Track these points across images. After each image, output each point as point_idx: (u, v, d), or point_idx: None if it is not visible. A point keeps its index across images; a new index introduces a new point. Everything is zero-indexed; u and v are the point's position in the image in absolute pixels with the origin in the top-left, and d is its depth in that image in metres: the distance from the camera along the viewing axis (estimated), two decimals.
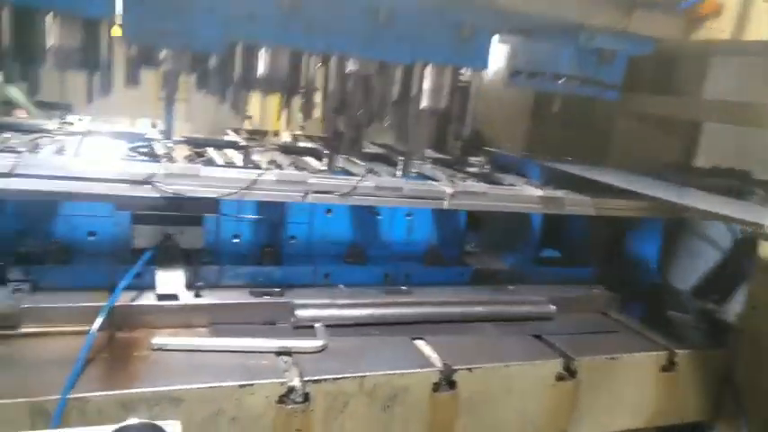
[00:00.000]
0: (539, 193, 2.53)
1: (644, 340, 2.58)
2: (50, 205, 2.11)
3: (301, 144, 2.99)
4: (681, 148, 3.82)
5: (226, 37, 2.16)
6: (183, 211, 2.12)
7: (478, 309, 2.53)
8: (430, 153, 3.18)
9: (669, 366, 2.50)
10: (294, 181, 2.12)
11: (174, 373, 1.79)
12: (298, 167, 2.39)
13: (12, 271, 1.96)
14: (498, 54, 3.01)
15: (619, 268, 3.04)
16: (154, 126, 2.89)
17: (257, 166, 2.25)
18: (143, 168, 1.97)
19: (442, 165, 2.99)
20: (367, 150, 2.96)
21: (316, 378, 1.88)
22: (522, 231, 2.98)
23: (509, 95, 4.35)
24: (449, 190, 2.35)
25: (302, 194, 2.12)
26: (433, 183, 2.45)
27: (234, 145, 2.70)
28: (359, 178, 2.25)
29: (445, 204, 2.35)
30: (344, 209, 2.50)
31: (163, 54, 2.13)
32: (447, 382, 2.07)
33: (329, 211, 2.48)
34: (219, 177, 2.03)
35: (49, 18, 1.98)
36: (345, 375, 1.92)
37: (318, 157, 2.70)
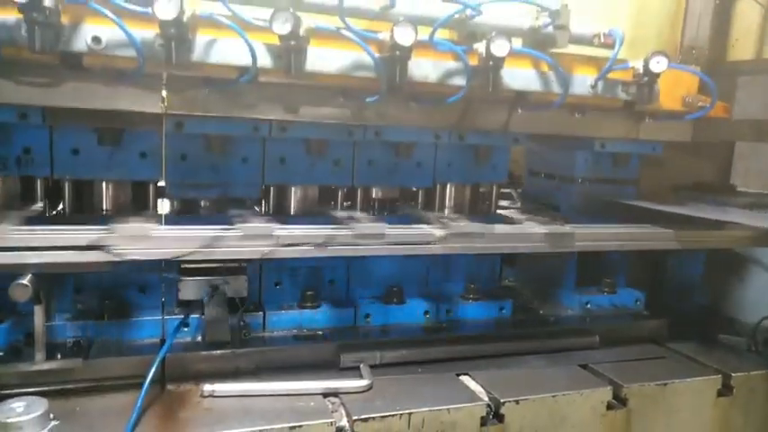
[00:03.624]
0: (543, 230, 2.35)
1: (696, 365, 2.51)
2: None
3: None
4: (715, 169, 3.79)
5: (260, 181, 2.42)
6: (227, 263, 2.22)
7: (521, 342, 2.52)
8: None
9: (726, 391, 2.42)
10: (260, 234, 1.96)
11: (227, 419, 1.83)
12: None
13: (69, 327, 2.06)
14: None
15: (664, 293, 2.99)
16: None
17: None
18: (91, 233, 1.82)
19: None
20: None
21: (363, 417, 1.90)
22: (560, 261, 2.98)
23: None
24: (438, 233, 2.17)
25: (270, 248, 1.96)
26: (422, 226, 2.25)
27: None
28: (335, 227, 2.10)
29: (435, 249, 2.17)
30: None
31: (203, 204, 2.44)
32: (495, 415, 2.06)
33: None
34: (176, 237, 1.88)
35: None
36: (393, 413, 1.93)
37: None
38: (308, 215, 2.51)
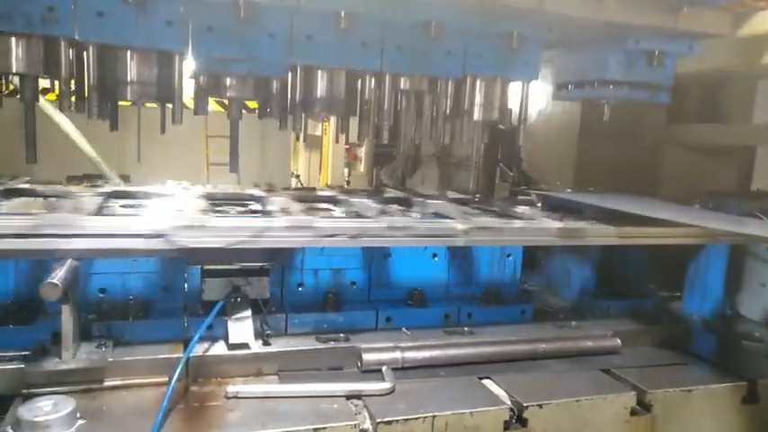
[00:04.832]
0: (557, 225, 2.46)
1: (719, 371, 2.48)
2: (127, 264, 2.25)
3: (319, 193, 3.07)
4: (736, 174, 3.76)
5: (286, 60, 2.34)
6: (249, 263, 2.22)
7: (543, 346, 2.50)
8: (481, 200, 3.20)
9: (751, 397, 2.39)
10: (302, 226, 2.10)
11: (251, 420, 1.83)
12: (309, 213, 2.43)
13: (95, 327, 2.08)
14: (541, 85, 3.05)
15: (685, 298, 2.96)
16: (181, 186, 3.05)
17: (267, 214, 2.32)
18: (152, 223, 1.98)
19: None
20: (388, 195, 3.07)
21: (387, 420, 1.89)
22: (579, 266, 2.97)
23: (554, 133, 4.42)
24: (461, 226, 2.30)
25: (311, 239, 2.09)
26: (446, 220, 2.39)
27: (251, 197, 2.82)
28: (370, 220, 2.25)
29: (459, 242, 2.28)
30: (402, 252, 2.55)
31: (228, 82, 2.32)
32: (518, 419, 2.05)
33: (388, 255, 2.54)
34: (228, 227, 2.03)
35: (127, 55, 2.21)
36: (416, 416, 1.93)
37: (335, 203, 2.81)
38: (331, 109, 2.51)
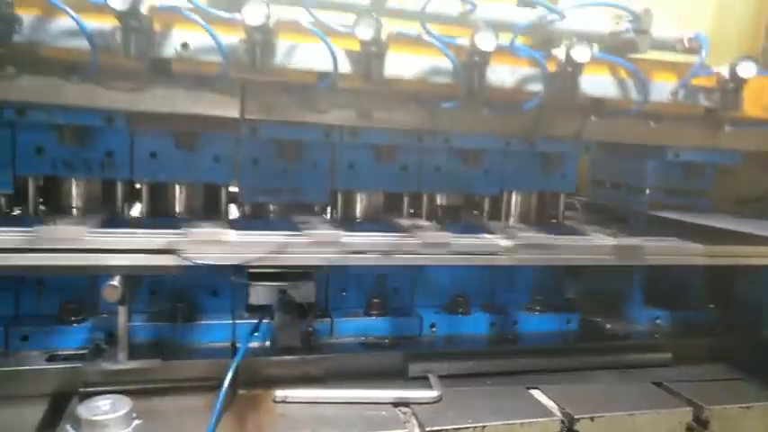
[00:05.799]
0: (612, 242, 2.32)
1: None
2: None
3: None
4: None
5: (328, 187, 2.43)
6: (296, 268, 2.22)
7: (591, 357, 2.44)
8: None
9: None
10: (328, 242, 1.99)
11: (300, 426, 1.83)
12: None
13: (145, 328, 2.10)
14: None
15: (737, 311, 2.86)
16: None
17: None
18: (164, 237, 1.86)
19: None
20: None
21: (436, 428, 1.86)
22: (628, 274, 2.89)
23: None
24: (504, 243, 2.16)
25: (338, 256, 1.99)
26: (487, 236, 2.26)
27: None
28: (402, 234, 2.13)
29: (501, 261, 2.16)
30: None
31: (271, 207, 2.47)
32: (569, 431, 2.00)
33: None
34: (246, 242, 1.92)
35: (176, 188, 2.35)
36: (465, 426, 1.89)
37: None
38: (373, 221, 2.50)
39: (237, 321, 2.20)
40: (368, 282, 2.47)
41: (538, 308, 2.63)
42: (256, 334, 2.09)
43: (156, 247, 1.83)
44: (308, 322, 2.21)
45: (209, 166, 2.28)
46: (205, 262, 1.86)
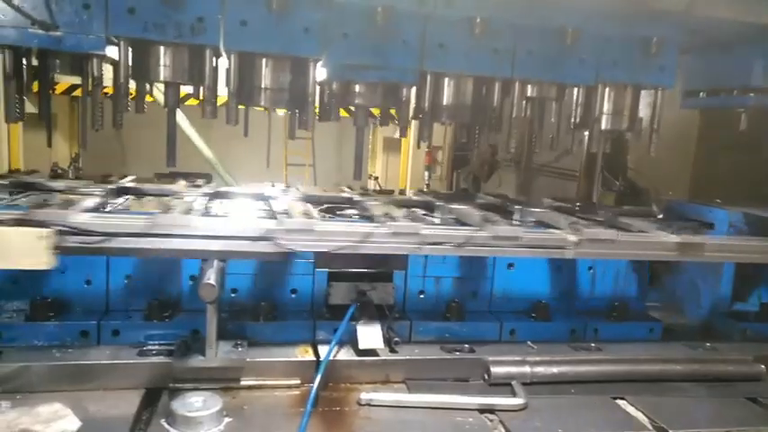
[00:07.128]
0: (675, 239, 2.24)
1: None
2: (259, 265, 2.28)
3: (415, 198, 2.99)
4: None
5: (417, 67, 2.31)
6: (374, 268, 2.20)
7: (677, 367, 2.33)
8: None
9: None
10: (407, 233, 2.03)
11: (387, 429, 1.81)
12: (412, 220, 2.33)
13: (230, 327, 2.12)
14: None
15: None
16: (273, 186, 3.10)
17: (371, 219, 2.26)
18: (262, 225, 1.96)
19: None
20: (481, 201, 2.96)
21: None
22: (710, 283, 2.76)
23: (668, 141, 4.17)
24: (572, 238, 2.15)
25: (416, 246, 2.03)
26: (554, 231, 2.25)
27: (349, 201, 2.77)
28: (474, 228, 2.15)
29: (568, 254, 2.14)
30: (526, 264, 2.46)
31: (357, 89, 2.35)
32: None
33: (511, 265, 2.46)
34: (334, 231, 2.00)
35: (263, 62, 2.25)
36: None
37: (431, 210, 2.72)
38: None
39: (318, 321, 2.19)
40: (445, 285, 2.43)
41: (619, 315, 2.53)
42: (339, 334, 2.08)
43: (254, 235, 1.91)
44: (388, 324, 2.19)
45: (298, 36, 2.17)
46: (296, 249, 1.95)
